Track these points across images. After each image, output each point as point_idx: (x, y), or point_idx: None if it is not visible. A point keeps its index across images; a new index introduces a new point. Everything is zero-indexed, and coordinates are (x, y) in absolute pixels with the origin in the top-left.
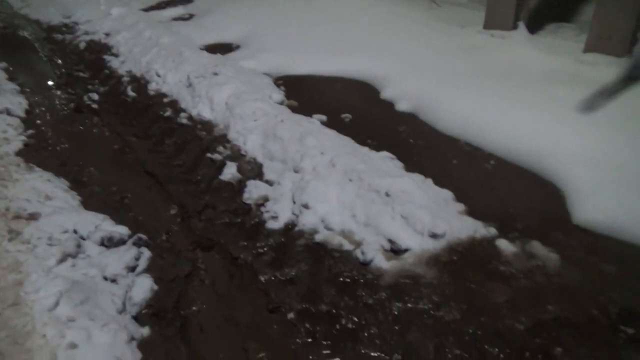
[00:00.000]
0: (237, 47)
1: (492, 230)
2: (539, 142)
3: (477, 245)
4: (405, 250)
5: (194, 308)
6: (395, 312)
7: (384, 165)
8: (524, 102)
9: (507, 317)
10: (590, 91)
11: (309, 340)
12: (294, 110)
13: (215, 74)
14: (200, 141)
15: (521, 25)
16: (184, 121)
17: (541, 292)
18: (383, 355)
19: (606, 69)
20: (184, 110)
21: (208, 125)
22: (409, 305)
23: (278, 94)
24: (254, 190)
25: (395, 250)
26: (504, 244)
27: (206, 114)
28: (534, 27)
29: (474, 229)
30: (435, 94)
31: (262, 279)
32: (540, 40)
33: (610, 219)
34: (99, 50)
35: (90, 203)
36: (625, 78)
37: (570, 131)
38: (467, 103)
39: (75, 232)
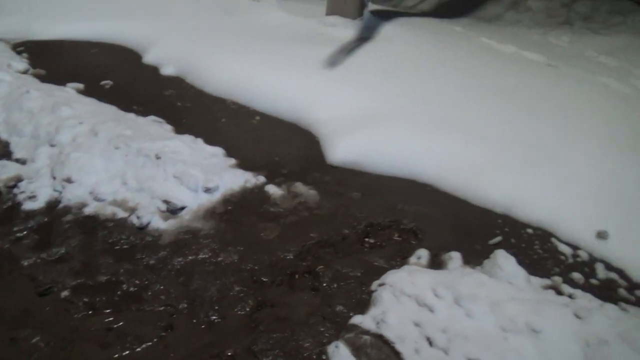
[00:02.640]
0: None
1: (261, 178)
2: (295, 96)
3: (249, 193)
4: (182, 208)
5: None
6: (178, 267)
7: (152, 129)
8: (280, 60)
9: (279, 250)
10: (333, 49)
11: (89, 312)
12: (43, 79)
13: None
14: None
15: None
16: None
17: (305, 224)
18: (169, 307)
19: (344, 29)
20: None
21: None
22: (190, 257)
23: (20, 62)
24: (1, 172)
25: (171, 210)
26: (272, 189)
27: None
28: None
29: (245, 179)
30: (199, 56)
31: (26, 263)
32: (292, 4)
33: (354, 155)
34: None
35: None
36: (359, 37)
37: (319, 84)
38: (230, 64)
39: None
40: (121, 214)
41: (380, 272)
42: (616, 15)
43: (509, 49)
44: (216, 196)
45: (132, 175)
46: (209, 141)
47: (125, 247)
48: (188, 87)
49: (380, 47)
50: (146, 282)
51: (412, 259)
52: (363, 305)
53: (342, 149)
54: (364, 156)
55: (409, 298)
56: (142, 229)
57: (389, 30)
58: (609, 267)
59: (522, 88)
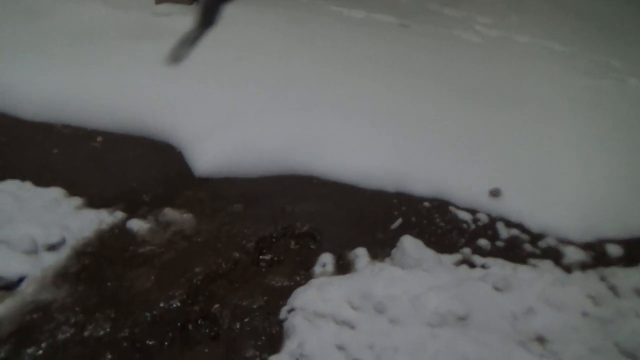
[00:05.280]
0: None
1: (120, 214)
2: (141, 104)
3: (107, 236)
4: (20, 281)
5: None
6: None
7: None
8: (111, 65)
9: (161, 299)
10: (173, 42)
11: None
12: None
13: None
14: None
15: None
16: None
17: (186, 258)
18: None
19: (181, 17)
20: None
21: None
22: (45, 343)
23: None
24: None
25: (5, 286)
26: (136, 224)
27: None
28: None
29: (99, 220)
30: (3, 75)
31: None
32: None
33: (225, 161)
34: None
35: None
36: (200, 24)
37: (165, 85)
38: (50, 78)
39: None
40: None
41: (286, 292)
42: None
43: (359, 14)
44: (65, 252)
45: None
46: (41, 182)
47: None
48: None
49: (227, 32)
50: None
51: (317, 268)
52: (276, 341)
53: (210, 157)
54: (237, 159)
55: (325, 319)
56: None
57: (232, 12)
58: (508, 224)
59: (382, 54)
